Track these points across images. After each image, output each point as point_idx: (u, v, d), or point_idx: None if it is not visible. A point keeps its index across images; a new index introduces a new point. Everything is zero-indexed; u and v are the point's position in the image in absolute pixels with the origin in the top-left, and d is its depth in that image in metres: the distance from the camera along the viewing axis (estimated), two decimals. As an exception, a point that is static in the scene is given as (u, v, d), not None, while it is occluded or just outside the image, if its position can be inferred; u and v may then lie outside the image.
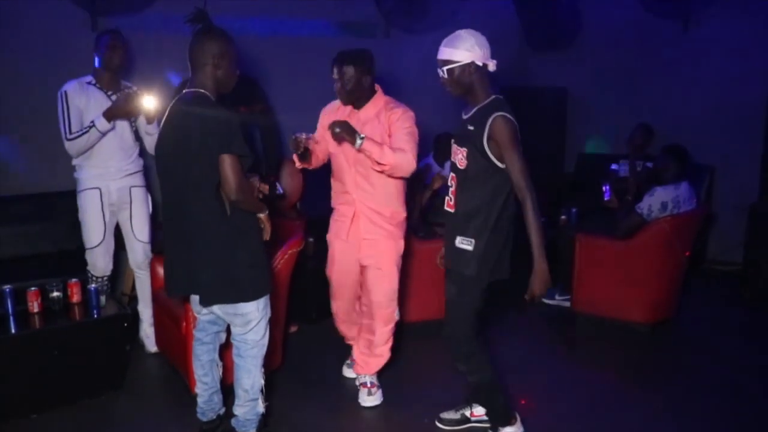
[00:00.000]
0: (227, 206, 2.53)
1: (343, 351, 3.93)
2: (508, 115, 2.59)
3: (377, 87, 3.26)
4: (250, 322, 2.68)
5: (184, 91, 2.60)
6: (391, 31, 5.86)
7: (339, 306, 3.61)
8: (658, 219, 4.10)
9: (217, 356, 2.93)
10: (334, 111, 3.34)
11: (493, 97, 2.68)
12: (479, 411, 3.14)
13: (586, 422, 3.23)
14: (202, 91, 2.56)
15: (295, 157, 3.30)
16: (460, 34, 2.65)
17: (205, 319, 2.84)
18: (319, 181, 4.83)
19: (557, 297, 4.81)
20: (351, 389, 3.53)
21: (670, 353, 4.14)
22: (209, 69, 2.56)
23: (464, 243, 2.71)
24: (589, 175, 6.02)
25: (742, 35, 5.45)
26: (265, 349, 2.80)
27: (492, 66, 2.66)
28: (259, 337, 2.75)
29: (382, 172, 3.11)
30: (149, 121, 3.55)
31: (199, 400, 2.94)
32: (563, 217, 5.08)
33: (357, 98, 3.20)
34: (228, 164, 2.43)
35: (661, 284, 4.22)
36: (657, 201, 4.16)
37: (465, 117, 2.75)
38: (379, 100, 3.24)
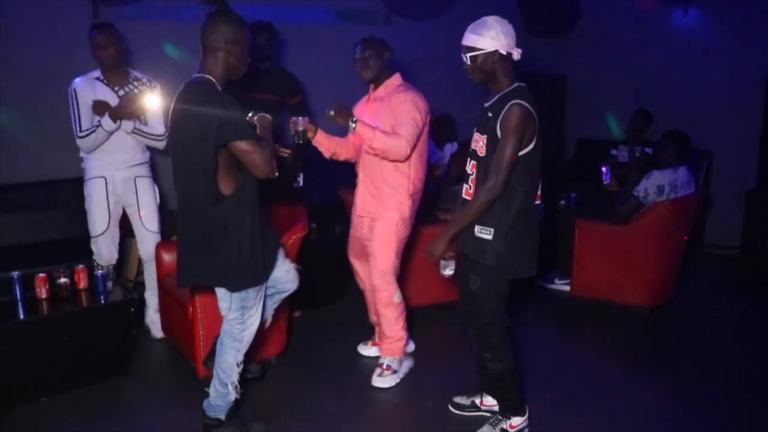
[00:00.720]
0: (227, 190, 2.52)
1: (345, 335, 3.99)
2: (524, 104, 2.56)
3: (398, 73, 3.36)
4: (222, 308, 2.73)
5: (193, 75, 2.55)
6: (392, 18, 5.87)
7: (362, 285, 3.75)
8: (657, 203, 4.14)
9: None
10: (360, 103, 3.50)
11: (516, 84, 2.66)
12: (489, 401, 3.15)
13: (585, 404, 3.28)
14: (208, 77, 2.50)
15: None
16: (486, 21, 2.62)
17: None
18: (323, 170, 4.87)
19: (557, 281, 4.87)
20: (353, 373, 3.58)
21: (669, 336, 4.20)
22: (221, 54, 2.50)
23: (483, 232, 2.68)
24: (588, 160, 6.07)
25: (741, 22, 5.47)
26: (241, 345, 2.78)
27: (516, 55, 2.63)
28: (239, 329, 2.75)
29: (375, 155, 3.19)
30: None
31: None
32: (562, 202, 5.12)
33: (377, 73, 3.31)
34: (245, 150, 2.43)
35: (659, 268, 4.27)
36: (653, 184, 4.20)
37: (486, 105, 2.72)
38: (394, 81, 3.34)
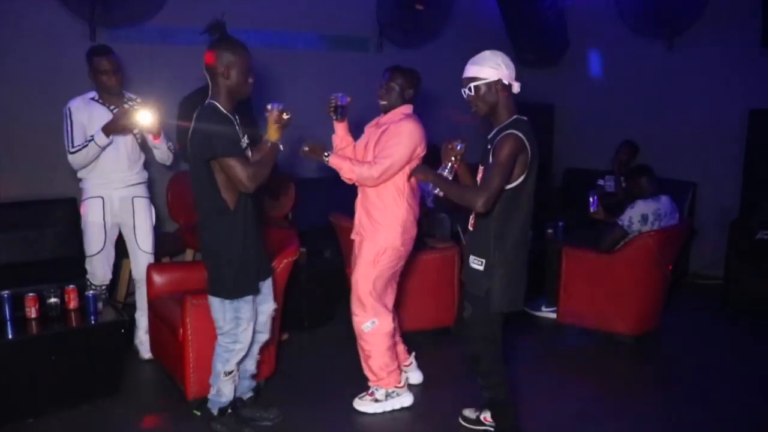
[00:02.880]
0: (230, 204, 2.79)
1: (334, 358, 4.00)
2: (518, 133, 2.58)
3: (408, 105, 3.39)
4: (217, 320, 2.93)
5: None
6: (384, 45, 5.97)
7: None
8: (643, 233, 4.22)
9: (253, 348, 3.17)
10: (371, 123, 3.54)
11: (515, 117, 2.69)
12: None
13: None
14: (212, 102, 2.78)
15: (336, 125, 3.47)
16: (487, 53, 2.68)
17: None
18: (313, 194, 4.91)
19: (544, 309, 4.91)
20: (342, 396, 3.57)
21: (654, 364, 4.25)
22: (220, 79, 2.74)
23: (475, 263, 2.73)
24: (575, 189, 6.16)
25: (724, 56, 5.62)
26: (230, 355, 2.97)
27: (516, 87, 2.68)
28: (230, 341, 2.95)
29: (350, 182, 3.31)
30: (154, 136, 3.63)
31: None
32: (550, 230, 5.18)
33: (392, 104, 3.36)
34: (228, 166, 2.68)
35: (645, 297, 4.33)
36: (637, 213, 4.28)
37: (489, 137, 2.76)
38: (402, 110, 3.36)
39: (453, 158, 2.76)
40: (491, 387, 2.89)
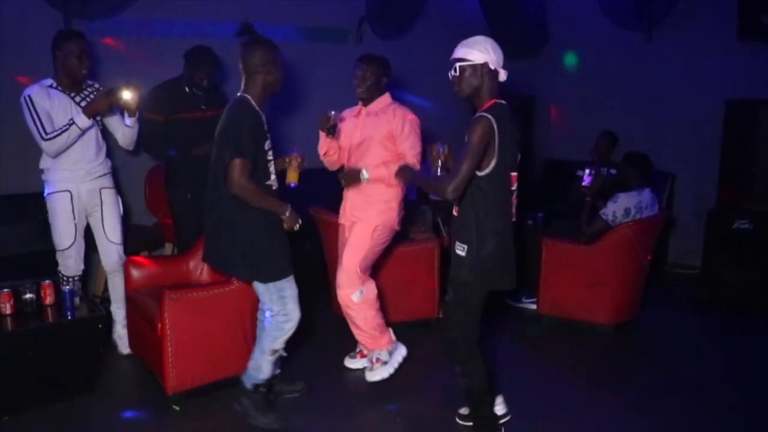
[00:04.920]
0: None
1: (316, 349, 4.00)
2: (488, 116, 2.59)
3: (388, 92, 3.55)
4: (265, 302, 3.06)
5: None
6: (364, 36, 5.93)
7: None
8: (622, 224, 4.25)
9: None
10: (348, 113, 3.64)
11: (493, 102, 2.70)
12: None
13: (551, 421, 3.32)
14: (246, 96, 2.90)
15: (322, 135, 3.51)
16: (477, 37, 2.71)
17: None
18: (292, 188, 4.84)
19: (524, 299, 4.92)
20: (323, 385, 3.59)
21: (633, 353, 4.29)
22: (260, 77, 2.89)
23: (458, 249, 2.77)
24: (555, 180, 6.18)
25: (702, 47, 5.67)
26: (281, 333, 3.05)
27: (503, 75, 2.71)
28: (283, 320, 3.03)
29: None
30: (131, 114, 3.60)
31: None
32: (530, 221, 5.19)
33: (371, 95, 3.49)
34: (233, 164, 2.76)
35: (624, 287, 4.37)
36: (620, 207, 4.31)
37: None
38: (386, 99, 3.53)
39: (440, 160, 2.91)
40: (468, 375, 2.91)
